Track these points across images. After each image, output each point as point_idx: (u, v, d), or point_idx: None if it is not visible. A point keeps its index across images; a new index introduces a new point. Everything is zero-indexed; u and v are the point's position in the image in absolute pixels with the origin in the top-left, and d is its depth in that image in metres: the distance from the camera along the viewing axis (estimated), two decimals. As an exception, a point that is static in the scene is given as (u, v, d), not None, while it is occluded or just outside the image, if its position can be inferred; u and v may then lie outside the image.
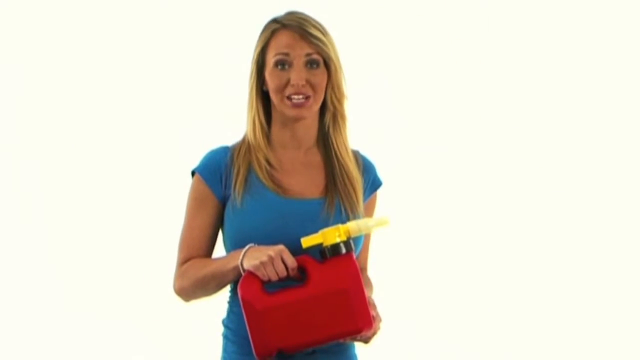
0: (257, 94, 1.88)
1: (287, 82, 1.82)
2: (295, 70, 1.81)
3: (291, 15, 1.87)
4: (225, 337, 1.90)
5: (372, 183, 1.97)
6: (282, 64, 1.82)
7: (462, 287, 3.54)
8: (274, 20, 1.88)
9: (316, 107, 1.86)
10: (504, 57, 3.61)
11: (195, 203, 1.87)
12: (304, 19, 1.85)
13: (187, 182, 1.92)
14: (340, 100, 1.89)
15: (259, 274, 1.71)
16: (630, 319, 3.55)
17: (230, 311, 1.89)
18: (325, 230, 1.75)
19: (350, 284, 1.73)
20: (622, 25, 3.58)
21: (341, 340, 1.78)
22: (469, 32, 3.60)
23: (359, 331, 1.74)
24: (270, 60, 1.84)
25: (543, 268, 3.58)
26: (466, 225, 3.57)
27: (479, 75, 3.60)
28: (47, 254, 3.50)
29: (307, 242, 1.75)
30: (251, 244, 1.76)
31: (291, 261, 1.72)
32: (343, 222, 1.80)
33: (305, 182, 1.88)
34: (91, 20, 3.50)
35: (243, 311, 1.73)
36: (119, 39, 3.50)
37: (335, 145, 1.90)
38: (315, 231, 1.76)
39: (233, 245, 1.83)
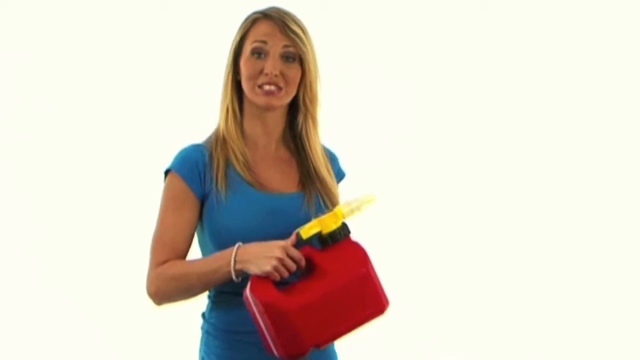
0: (232, 83, 1.87)
1: (261, 71, 1.82)
2: (270, 60, 1.82)
3: (274, 8, 1.88)
4: (207, 332, 1.87)
5: (337, 175, 1.98)
6: (259, 52, 1.83)
7: (450, 284, 3.54)
8: (256, 12, 1.89)
9: (287, 99, 1.86)
10: (497, 55, 3.61)
11: (173, 202, 1.81)
12: (286, 13, 1.87)
13: (152, 181, 1.88)
14: (312, 102, 1.89)
15: (272, 277, 1.69)
16: (630, 319, 3.55)
17: (213, 307, 1.86)
18: (321, 218, 1.75)
19: (365, 268, 1.74)
20: (622, 25, 3.58)
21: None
22: (462, 29, 3.61)
23: (382, 311, 1.76)
24: (248, 47, 1.84)
25: (536, 264, 3.60)
26: (460, 221, 3.58)
27: (474, 72, 3.62)
28: (29, 253, 3.48)
29: (306, 232, 1.73)
30: (239, 244, 1.73)
31: (298, 256, 1.72)
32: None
33: (280, 177, 1.88)
34: (67, 18, 3.51)
35: (264, 315, 1.68)
36: (91, 37, 3.51)
37: (310, 146, 1.91)
38: (299, 225, 1.76)
39: (216, 242, 1.80)
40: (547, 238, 3.61)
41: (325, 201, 1.88)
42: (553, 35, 3.62)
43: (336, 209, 1.75)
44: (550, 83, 3.63)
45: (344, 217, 1.75)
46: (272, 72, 1.80)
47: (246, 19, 1.88)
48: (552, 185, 3.61)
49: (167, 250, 1.79)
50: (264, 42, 1.82)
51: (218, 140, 1.86)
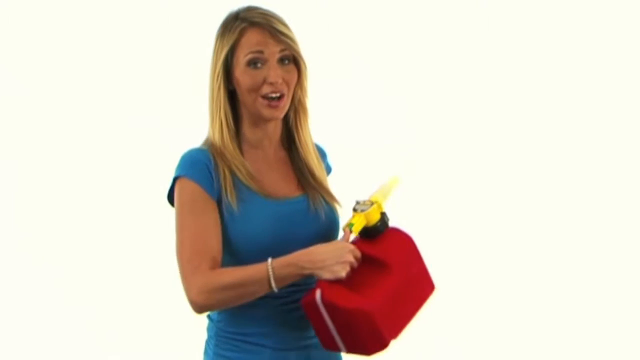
0: (224, 94, 1.83)
1: (263, 81, 1.80)
2: (271, 68, 1.79)
3: (253, 11, 1.83)
4: (216, 334, 1.85)
5: (326, 169, 1.98)
6: (256, 62, 1.80)
7: (448, 284, 3.52)
8: (237, 18, 1.83)
9: (288, 105, 1.85)
10: (489, 52, 3.61)
11: (193, 206, 1.76)
12: (270, 16, 1.82)
13: (151, 181, 1.87)
14: (304, 95, 1.89)
15: (341, 279, 1.70)
16: (630, 319, 3.54)
17: (223, 310, 1.82)
18: (367, 212, 1.75)
19: (418, 253, 1.79)
20: (622, 25, 3.57)
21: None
22: (453, 26, 3.61)
23: (434, 287, 1.80)
24: (242, 59, 1.80)
25: (535, 263, 3.57)
26: (454, 221, 3.56)
27: (466, 70, 3.62)
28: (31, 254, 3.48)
29: (356, 229, 1.75)
30: (270, 259, 1.70)
31: (359, 255, 1.73)
32: (328, 215, 1.84)
33: (281, 181, 1.87)
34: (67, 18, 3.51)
35: (351, 320, 1.68)
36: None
37: (300, 140, 1.90)
38: (309, 228, 1.79)
39: (231, 251, 1.78)
40: (544, 237, 3.60)
41: (327, 200, 1.87)
42: (550, 34, 3.61)
43: (376, 202, 1.77)
44: (547, 81, 3.62)
45: (382, 208, 1.78)
46: (277, 80, 1.79)
47: (230, 29, 1.82)
48: (547, 182, 3.61)
49: (203, 255, 1.72)
50: (260, 51, 1.79)
51: (216, 150, 1.82)
